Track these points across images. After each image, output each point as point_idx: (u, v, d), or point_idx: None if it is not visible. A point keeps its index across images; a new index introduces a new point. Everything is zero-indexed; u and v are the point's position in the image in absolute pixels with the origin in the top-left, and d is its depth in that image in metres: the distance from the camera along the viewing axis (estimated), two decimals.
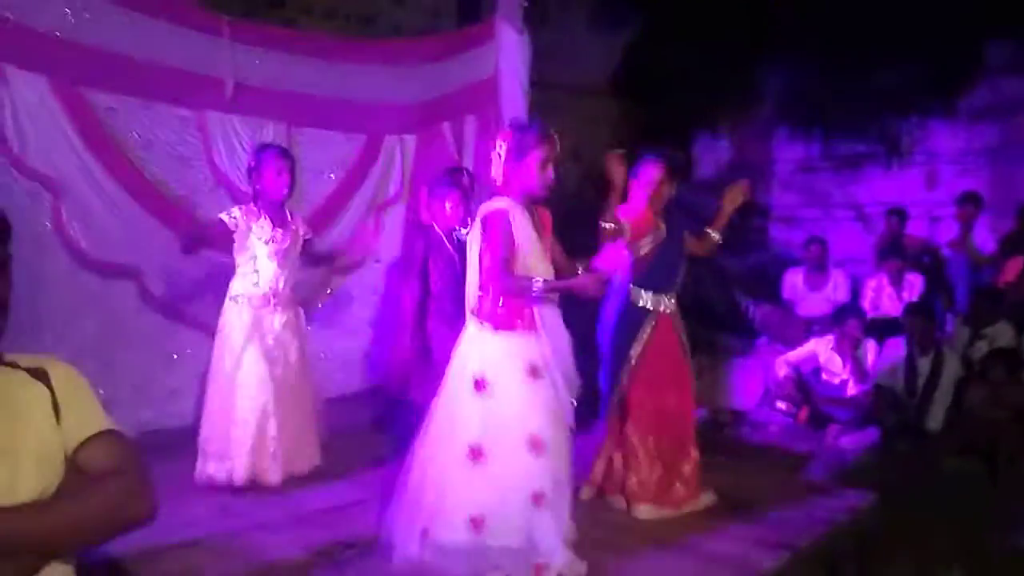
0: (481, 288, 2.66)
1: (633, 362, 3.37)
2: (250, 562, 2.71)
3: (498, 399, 2.57)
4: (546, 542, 2.53)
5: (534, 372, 2.61)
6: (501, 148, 2.64)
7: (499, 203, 2.61)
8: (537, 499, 2.54)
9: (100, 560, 2.61)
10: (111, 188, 4.00)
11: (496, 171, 2.66)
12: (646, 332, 3.39)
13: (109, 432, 1.49)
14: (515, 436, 2.56)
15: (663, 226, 3.44)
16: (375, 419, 4.51)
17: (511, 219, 2.56)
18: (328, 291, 4.86)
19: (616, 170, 3.24)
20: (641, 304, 3.41)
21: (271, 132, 4.58)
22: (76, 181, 3.91)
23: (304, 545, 2.85)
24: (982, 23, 6.51)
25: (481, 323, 2.66)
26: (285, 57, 4.59)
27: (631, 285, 3.44)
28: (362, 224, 5.03)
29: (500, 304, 2.63)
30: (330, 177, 4.89)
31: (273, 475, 3.44)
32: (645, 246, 3.38)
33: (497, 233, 2.57)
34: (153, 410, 4.17)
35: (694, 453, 3.44)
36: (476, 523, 2.52)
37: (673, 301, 3.49)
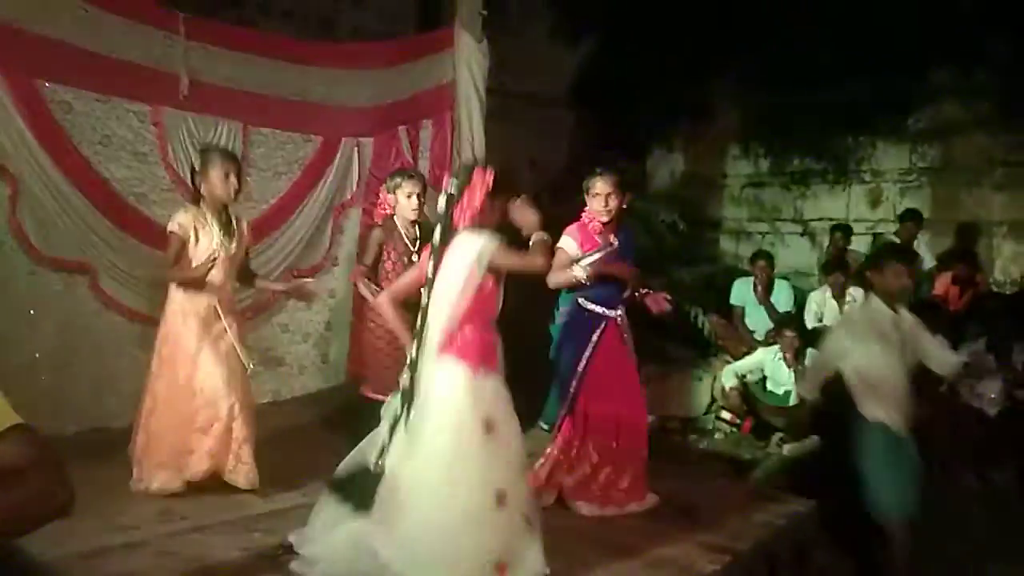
0: (463, 322, 2.55)
1: (581, 368, 3.44)
2: (190, 564, 2.66)
3: (502, 440, 2.53)
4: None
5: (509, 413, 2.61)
6: (485, 182, 2.59)
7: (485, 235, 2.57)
8: (529, 523, 2.58)
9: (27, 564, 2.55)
10: (63, 185, 3.91)
11: (472, 203, 2.57)
12: (594, 338, 3.46)
13: (19, 427, 1.49)
14: (520, 475, 2.61)
15: (613, 239, 3.51)
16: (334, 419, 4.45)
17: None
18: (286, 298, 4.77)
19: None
20: (589, 311, 3.49)
21: (226, 131, 4.52)
22: (28, 175, 3.81)
23: (245, 547, 2.82)
24: (927, 47, 6.75)
25: (460, 360, 2.53)
26: (241, 56, 4.53)
27: (579, 296, 3.52)
28: (316, 227, 4.98)
29: (481, 341, 2.56)
30: (284, 178, 4.84)
31: (243, 478, 3.36)
32: (591, 258, 3.44)
33: (509, 255, 2.57)
34: (107, 409, 4.10)
35: (642, 455, 3.52)
36: (502, 569, 2.47)
37: (622, 310, 3.57)
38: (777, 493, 3.79)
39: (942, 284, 6.19)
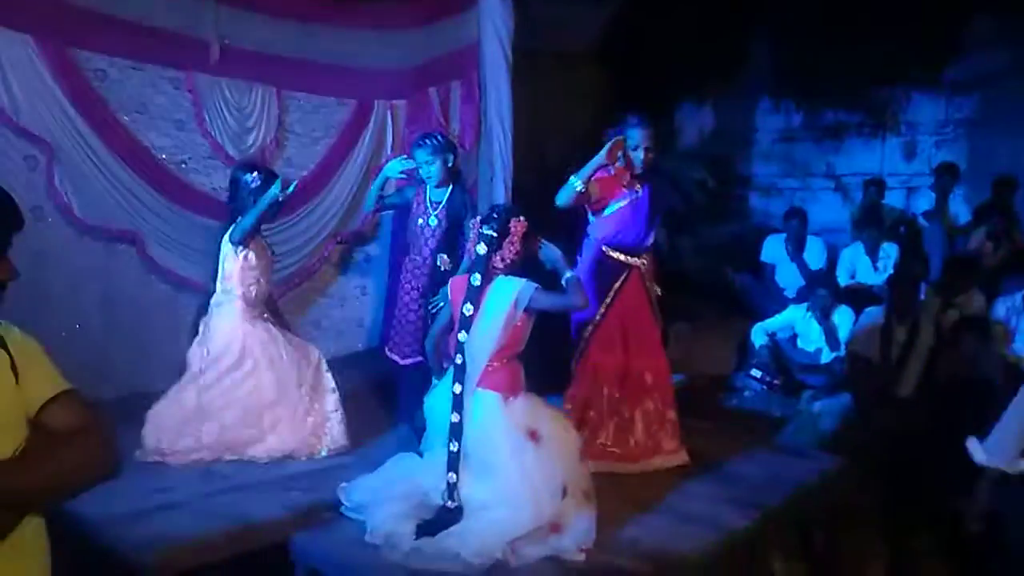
0: (498, 357, 2.72)
1: (598, 317, 3.45)
2: (231, 524, 2.74)
3: (551, 441, 2.72)
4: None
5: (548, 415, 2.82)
6: (520, 231, 2.75)
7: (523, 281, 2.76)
8: (587, 497, 2.77)
9: (75, 521, 2.66)
10: (103, 153, 3.96)
11: (510, 251, 2.75)
12: (615, 287, 3.48)
13: (69, 392, 1.56)
14: (575, 463, 2.80)
15: (639, 188, 3.50)
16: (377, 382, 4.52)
17: None
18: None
19: (614, 153, 3.36)
20: (611, 259, 3.50)
21: (260, 96, 4.54)
22: (67, 145, 3.86)
23: (285, 506, 2.90)
24: None
25: (491, 391, 2.72)
26: (271, 19, 4.52)
27: (602, 244, 3.51)
28: (355, 192, 4.99)
29: (510, 371, 2.75)
30: (321, 143, 4.86)
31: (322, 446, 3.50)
32: (616, 206, 3.46)
33: (548, 297, 2.77)
34: (148, 374, 4.17)
35: (664, 409, 3.53)
36: (555, 528, 2.63)
37: (645, 260, 3.56)
38: (808, 450, 3.79)
39: (977, 238, 6.07)
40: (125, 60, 4.05)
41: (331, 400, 3.56)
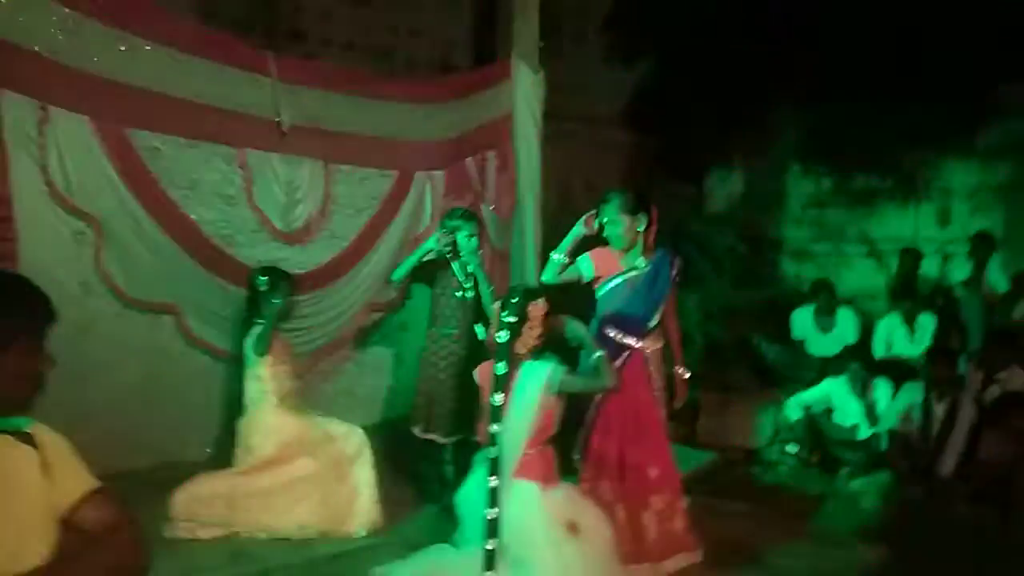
0: (532, 445, 2.70)
1: (598, 402, 3.30)
2: None
3: (591, 534, 2.69)
4: None
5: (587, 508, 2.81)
6: (540, 314, 2.75)
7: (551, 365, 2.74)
8: None
9: None
10: (151, 229, 4.04)
11: (532, 335, 2.75)
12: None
13: (100, 490, 1.57)
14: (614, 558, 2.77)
15: (644, 264, 3.35)
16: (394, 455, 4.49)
17: None
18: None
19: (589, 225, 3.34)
20: (611, 339, 3.29)
21: (309, 171, 4.64)
22: (117, 221, 3.94)
23: None
24: (997, 64, 6.53)
25: (528, 480, 2.69)
26: (320, 94, 4.62)
27: (603, 325, 3.33)
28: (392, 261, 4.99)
29: (543, 458, 2.73)
30: (364, 214, 4.95)
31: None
32: (612, 283, 3.34)
33: (576, 381, 2.79)
34: (183, 444, 4.26)
35: (679, 507, 3.34)
36: None
37: (648, 341, 3.36)
38: (846, 538, 3.67)
39: (1020, 310, 5.95)
40: (179, 138, 4.16)
41: (369, 485, 3.55)
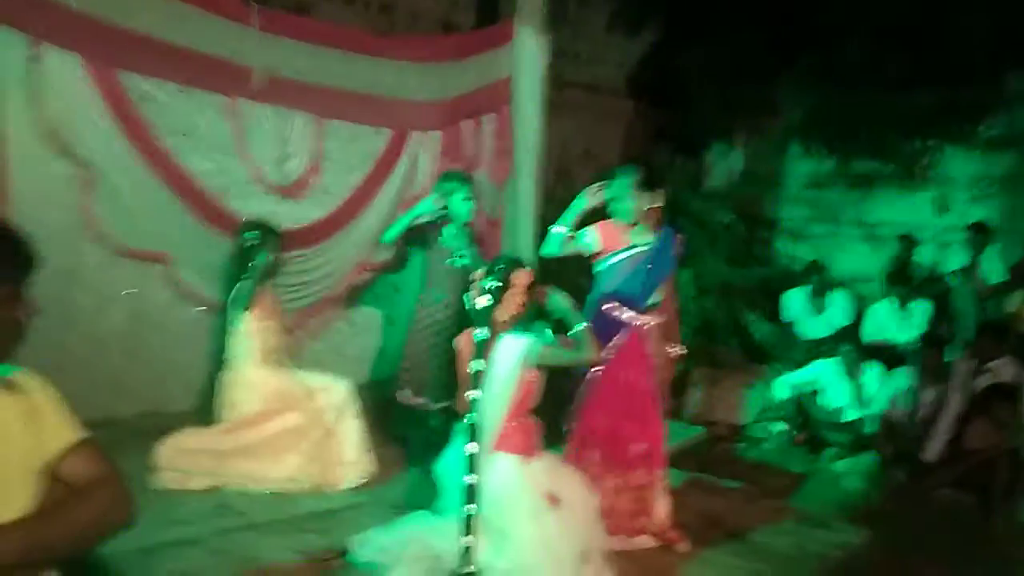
0: (512, 417, 2.69)
1: (588, 380, 3.25)
2: (244, 564, 2.71)
3: (571, 505, 2.71)
4: None
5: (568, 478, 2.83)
6: (523, 282, 2.74)
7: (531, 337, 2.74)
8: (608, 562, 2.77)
9: (90, 560, 2.61)
10: (143, 175, 3.97)
11: (515, 303, 2.74)
12: (612, 345, 3.23)
13: (86, 441, 1.54)
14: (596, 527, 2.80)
15: (647, 241, 3.31)
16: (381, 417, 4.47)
17: None
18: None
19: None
20: (609, 318, 3.26)
21: (300, 124, 4.56)
22: (109, 166, 3.87)
23: (299, 549, 2.85)
24: (1002, 54, 6.47)
25: (509, 453, 2.70)
26: (313, 48, 4.54)
27: (601, 300, 3.31)
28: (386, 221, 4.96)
29: (524, 430, 2.74)
30: (356, 172, 4.86)
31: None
32: (615, 258, 3.29)
33: (557, 353, 2.79)
34: (167, 394, 4.24)
35: (660, 487, 3.28)
36: None
37: (647, 319, 3.33)
38: (829, 519, 3.68)
39: (1014, 300, 5.95)
40: (172, 84, 4.07)
41: (354, 435, 3.53)
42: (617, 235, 3.29)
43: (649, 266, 3.28)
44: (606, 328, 3.20)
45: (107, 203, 3.90)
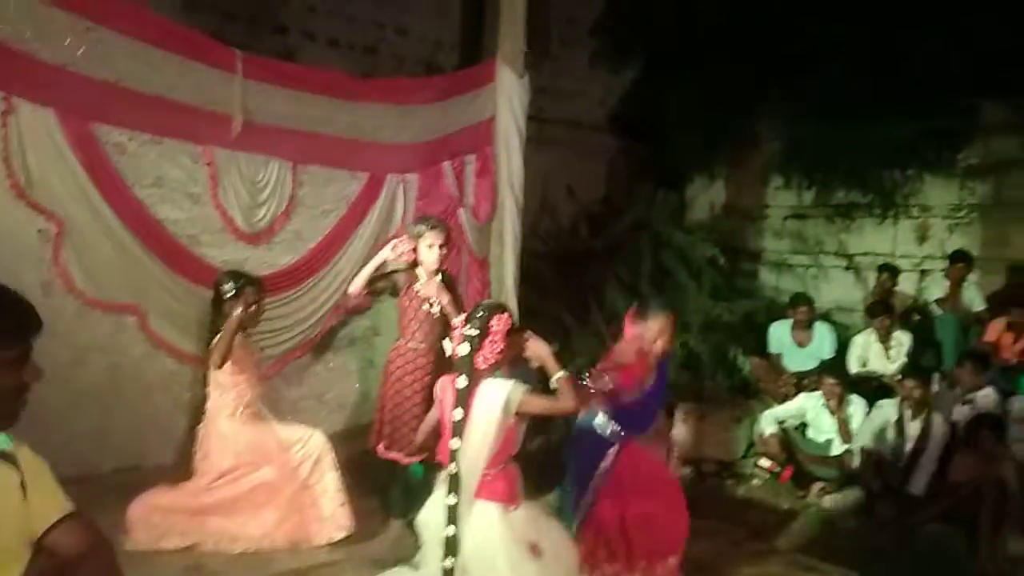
0: (493, 465, 2.66)
1: (598, 481, 3.23)
2: None
3: (552, 555, 2.67)
4: None
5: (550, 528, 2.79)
6: (502, 327, 2.70)
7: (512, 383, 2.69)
8: None
9: None
10: (116, 227, 3.96)
11: (494, 349, 2.69)
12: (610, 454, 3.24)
13: (74, 515, 1.54)
14: None
15: (652, 379, 3.32)
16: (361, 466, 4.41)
17: None
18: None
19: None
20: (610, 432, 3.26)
21: (276, 171, 4.55)
22: (81, 218, 3.86)
23: None
24: (979, 83, 6.57)
25: (490, 501, 2.66)
26: (292, 94, 4.54)
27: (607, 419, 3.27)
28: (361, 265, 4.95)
29: (506, 477, 2.69)
30: (331, 216, 4.85)
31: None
32: (631, 396, 3.27)
33: (538, 401, 2.71)
34: (147, 447, 4.19)
35: (672, 561, 3.25)
36: None
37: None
38: (816, 560, 3.65)
39: (995, 330, 5.98)
40: (145, 134, 4.07)
41: (332, 489, 3.48)
42: (635, 376, 3.23)
43: (656, 400, 3.33)
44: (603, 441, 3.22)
45: (78, 256, 3.88)
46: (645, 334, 3.23)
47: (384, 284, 3.87)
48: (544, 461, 4.01)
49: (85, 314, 3.96)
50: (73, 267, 3.87)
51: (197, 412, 3.71)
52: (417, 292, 3.74)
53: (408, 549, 3.04)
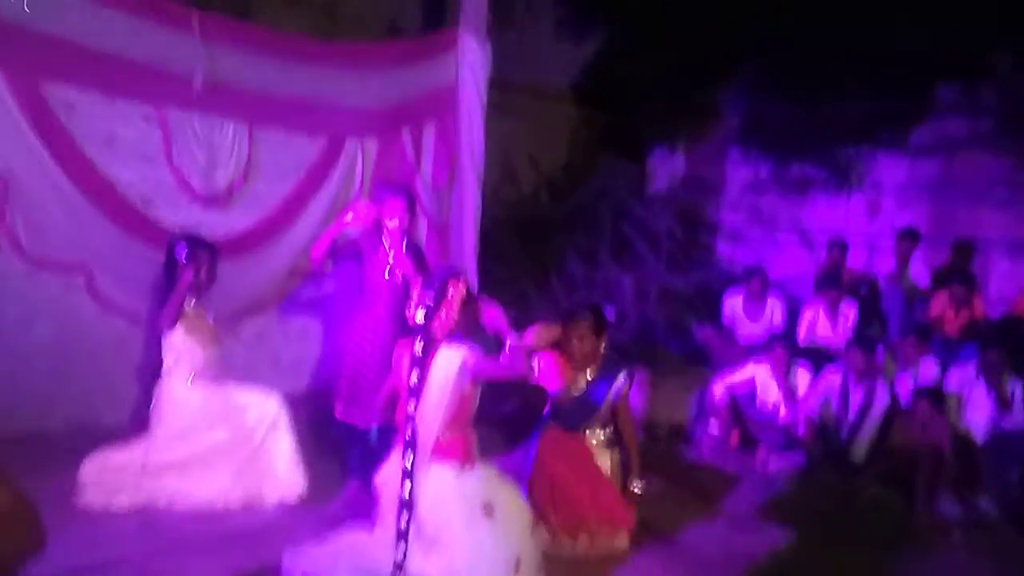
0: (448, 429, 2.73)
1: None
2: None
3: (505, 515, 2.77)
4: None
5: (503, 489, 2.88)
6: (459, 292, 2.77)
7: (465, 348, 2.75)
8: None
9: None
10: (66, 187, 3.88)
11: (450, 315, 2.76)
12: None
13: None
14: (529, 538, 2.84)
15: (584, 379, 3.50)
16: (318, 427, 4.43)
17: None
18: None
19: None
20: None
21: (232, 133, 4.47)
22: (28, 177, 3.78)
23: (229, 568, 2.82)
24: (933, 63, 6.72)
25: (445, 463, 2.73)
26: (251, 56, 4.45)
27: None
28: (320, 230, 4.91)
29: (462, 440, 2.77)
30: (290, 180, 4.80)
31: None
32: (563, 393, 3.51)
33: (490, 365, 2.77)
34: (97, 408, 4.17)
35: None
36: None
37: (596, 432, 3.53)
38: (759, 520, 3.79)
39: (938, 304, 6.19)
40: (96, 93, 3.98)
41: (286, 451, 3.50)
42: (561, 374, 3.50)
43: (594, 401, 3.49)
44: None
45: (25, 215, 3.81)
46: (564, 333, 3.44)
47: (346, 249, 3.87)
48: (519, 420, 4.26)
49: (33, 274, 3.90)
50: (20, 226, 3.80)
51: (151, 373, 3.68)
52: (379, 258, 3.74)
53: (364, 509, 3.10)
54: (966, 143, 7.00)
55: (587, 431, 3.49)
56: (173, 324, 3.32)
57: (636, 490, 3.44)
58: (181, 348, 3.41)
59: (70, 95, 3.89)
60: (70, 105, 3.89)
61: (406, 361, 2.72)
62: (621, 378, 3.46)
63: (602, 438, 3.51)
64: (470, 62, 5.43)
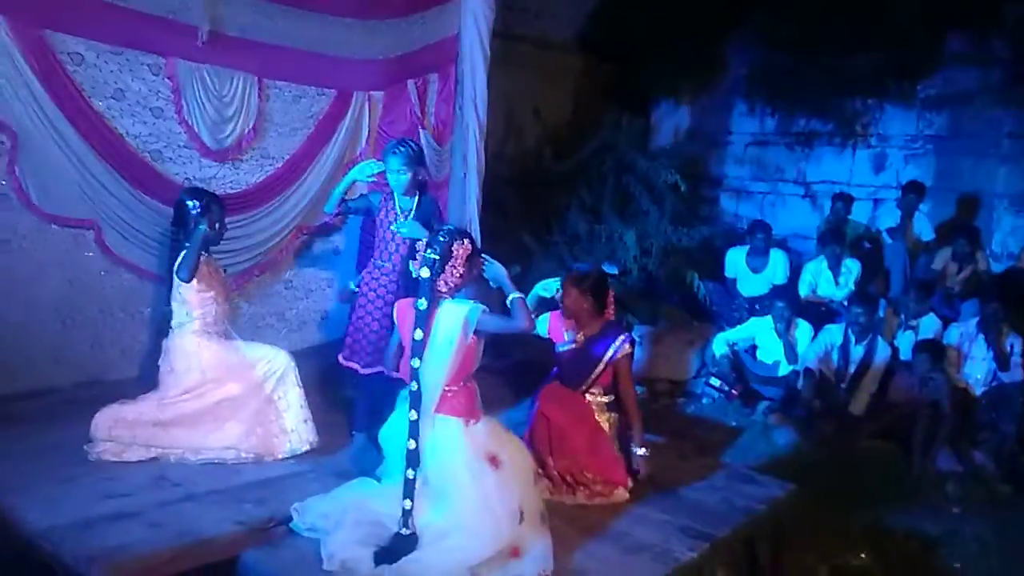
0: (453, 383, 2.75)
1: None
2: (181, 538, 2.71)
3: (510, 467, 2.79)
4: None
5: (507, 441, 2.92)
6: (464, 252, 2.78)
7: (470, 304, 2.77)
8: (543, 519, 2.88)
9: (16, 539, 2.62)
10: (74, 140, 3.84)
11: (454, 273, 2.78)
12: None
13: None
14: (531, 487, 2.91)
15: (582, 336, 3.53)
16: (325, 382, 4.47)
17: None
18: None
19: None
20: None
21: (241, 84, 4.41)
22: (35, 131, 3.74)
23: (237, 520, 2.88)
24: (942, 13, 6.59)
25: (451, 416, 2.76)
26: (257, 5, 4.36)
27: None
28: (327, 184, 4.83)
29: (467, 394, 2.80)
30: (300, 133, 4.77)
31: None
32: (562, 347, 3.57)
33: (494, 320, 2.79)
34: (105, 363, 4.19)
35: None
36: (515, 552, 2.70)
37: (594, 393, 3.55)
38: (756, 475, 3.85)
39: (941, 259, 6.19)
40: (103, 44, 3.91)
41: (296, 404, 3.55)
42: (560, 329, 3.58)
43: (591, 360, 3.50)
44: None
45: (34, 169, 3.78)
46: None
47: (359, 204, 3.89)
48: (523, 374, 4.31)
49: (42, 229, 3.90)
50: (29, 181, 3.79)
51: (160, 328, 3.71)
52: (390, 213, 3.75)
53: (372, 461, 3.15)
54: (975, 95, 6.89)
55: (587, 394, 3.51)
56: (191, 277, 3.32)
57: (639, 454, 3.46)
58: (196, 302, 3.41)
59: (77, 46, 3.83)
60: (77, 56, 3.84)
61: (409, 318, 2.74)
62: (621, 339, 3.47)
63: (602, 402, 3.53)
64: (473, 11, 5.33)
